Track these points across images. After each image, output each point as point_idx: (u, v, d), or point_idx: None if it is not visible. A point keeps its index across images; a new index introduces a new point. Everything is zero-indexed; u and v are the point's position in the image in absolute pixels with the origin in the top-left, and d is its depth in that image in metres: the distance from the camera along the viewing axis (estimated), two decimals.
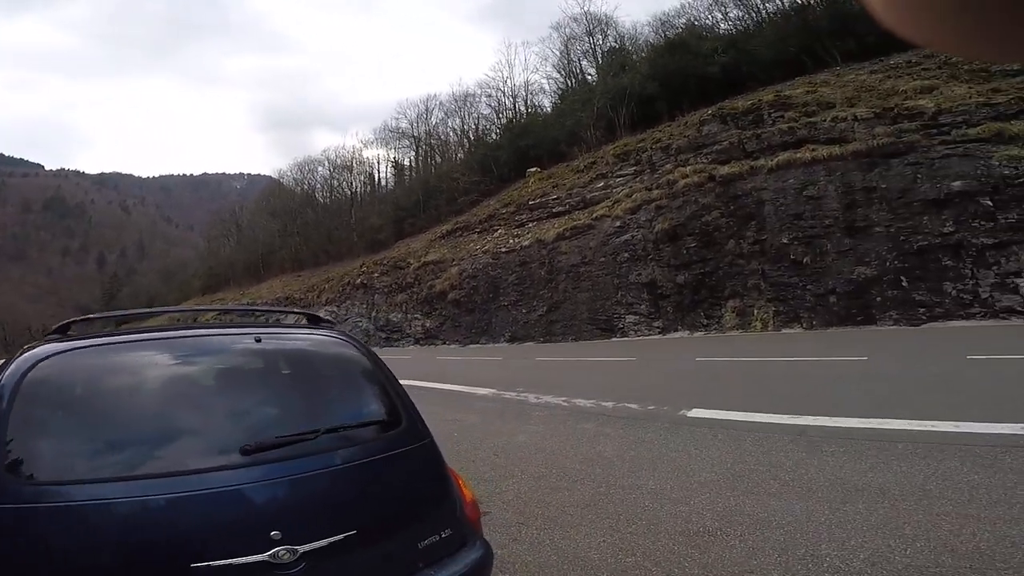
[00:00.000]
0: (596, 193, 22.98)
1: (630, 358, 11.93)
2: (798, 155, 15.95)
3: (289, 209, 56.31)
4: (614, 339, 17.97)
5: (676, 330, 16.97)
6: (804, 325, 14.67)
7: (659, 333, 17.27)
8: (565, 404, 7.38)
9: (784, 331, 14.69)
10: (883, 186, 14.23)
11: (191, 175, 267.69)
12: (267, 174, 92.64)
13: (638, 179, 21.83)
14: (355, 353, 2.21)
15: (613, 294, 18.82)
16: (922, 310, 12.93)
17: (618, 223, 19.67)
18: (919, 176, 13.80)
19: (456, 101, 44.21)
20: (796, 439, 4.75)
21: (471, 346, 21.69)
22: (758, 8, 27.13)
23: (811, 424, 5.14)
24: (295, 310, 2.94)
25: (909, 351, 9.42)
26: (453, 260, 25.33)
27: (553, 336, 19.79)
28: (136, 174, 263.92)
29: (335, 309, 32.21)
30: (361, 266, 32.27)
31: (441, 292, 24.38)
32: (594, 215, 21.01)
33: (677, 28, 29.65)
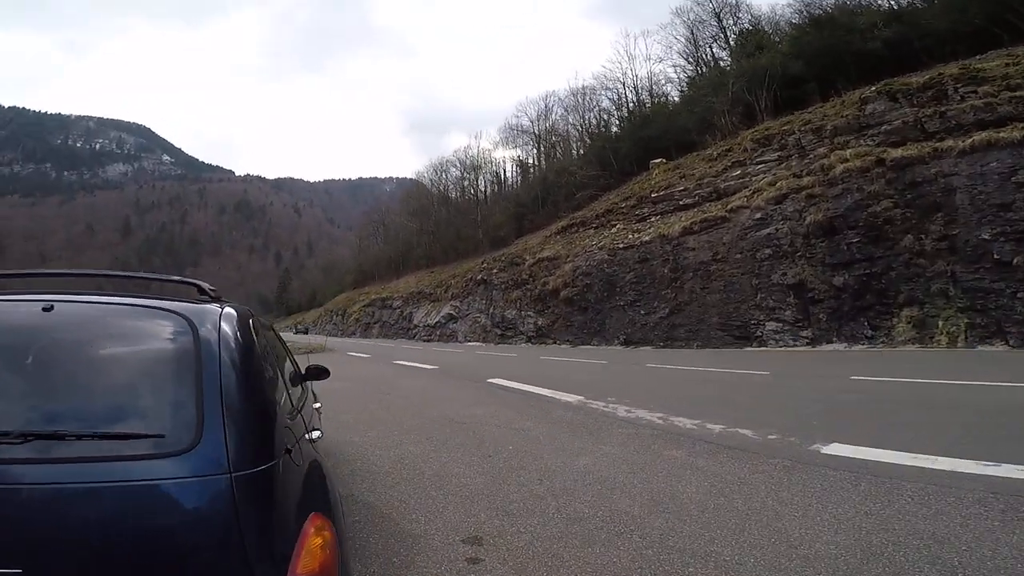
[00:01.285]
0: (731, 182, 20.46)
1: (762, 372, 9.90)
2: (1002, 134, 12.78)
3: (425, 209, 59.68)
4: (749, 348, 15.58)
5: (830, 341, 14.19)
6: (1011, 342, 11.30)
7: (807, 344, 14.59)
8: (659, 422, 6.02)
9: (980, 348, 11.40)
10: None
11: (349, 179, 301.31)
12: (412, 177, 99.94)
13: (783, 165, 19.06)
14: (187, 340, 1.46)
15: (751, 296, 16.39)
16: None
17: (759, 215, 17.15)
18: None
19: (574, 96, 43.32)
20: (986, 499, 3.07)
21: (582, 347, 20.46)
22: None
23: (1015, 476, 3.37)
24: (179, 279, 2.18)
25: None
26: (567, 256, 24.31)
27: (674, 341, 17.82)
28: (305, 179, 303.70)
29: (458, 304, 33.05)
30: (482, 262, 32.68)
31: (554, 290, 23.50)
32: (729, 206, 18.62)
33: (825, 8, 25.59)
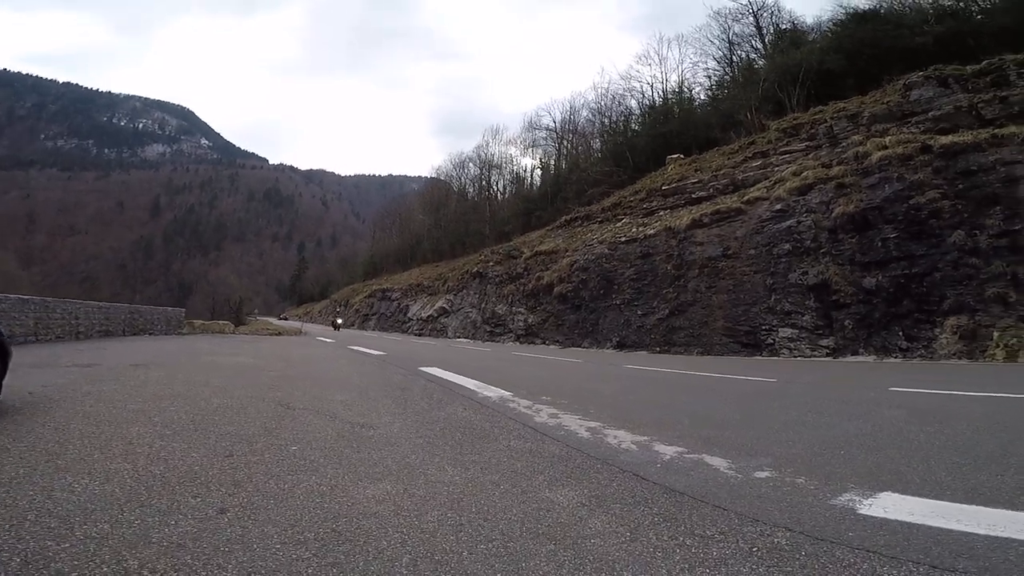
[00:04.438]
0: (751, 173, 18.22)
1: (768, 379, 7.69)
2: None
3: (439, 203, 58.21)
4: (759, 357, 13.27)
5: (855, 352, 11.87)
6: None
7: (828, 354, 12.26)
8: (584, 435, 3.96)
9: None
10: None
11: (379, 175, 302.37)
12: (435, 175, 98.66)
13: (811, 155, 16.90)
14: None
15: (763, 298, 14.10)
16: None
17: (779, 206, 14.94)
18: None
19: (601, 97, 41.05)
20: None
21: (571, 348, 18.28)
22: None
23: None
24: None
25: None
26: (567, 251, 22.18)
27: (673, 346, 15.55)
28: (336, 172, 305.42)
29: (452, 298, 31.15)
30: (480, 255, 30.72)
31: (548, 285, 21.35)
32: (745, 198, 16.42)
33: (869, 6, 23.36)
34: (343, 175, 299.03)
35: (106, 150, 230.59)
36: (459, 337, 27.53)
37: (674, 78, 38.65)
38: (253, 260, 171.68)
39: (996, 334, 9.79)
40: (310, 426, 3.99)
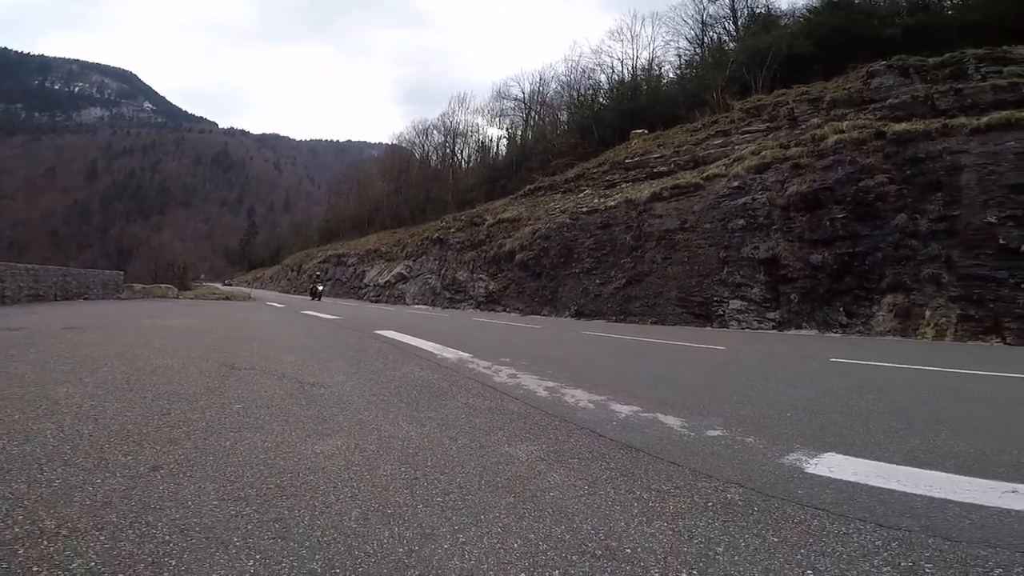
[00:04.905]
0: (712, 151, 18.48)
1: (718, 347, 7.93)
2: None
3: (399, 170, 56.62)
4: (709, 328, 13.68)
5: (800, 326, 12.41)
6: (1008, 339, 9.64)
7: (774, 327, 12.78)
8: (542, 394, 3.95)
9: (972, 344, 9.65)
10: None
11: (337, 141, 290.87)
12: (396, 142, 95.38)
13: (771, 136, 17.24)
14: None
15: (716, 270, 14.49)
16: None
17: (736, 183, 15.22)
18: None
19: (571, 70, 40.53)
20: None
21: (532, 316, 18.39)
22: None
23: None
24: None
25: None
26: (529, 219, 22.09)
27: (629, 315, 15.86)
28: (291, 136, 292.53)
29: (411, 264, 30.67)
30: (441, 221, 30.23)
31: (510, 252, 21.28)
32: (704, 174, 16.65)
33: None
34: (298, 140, 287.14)
35: (36, 114, 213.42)
36: (417, 303, 27.23)
37: (645, 55, 38.43)
38: (199, 225, 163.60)
39: (928, 313, 10.41)
40: (256, 385, 3.83)
